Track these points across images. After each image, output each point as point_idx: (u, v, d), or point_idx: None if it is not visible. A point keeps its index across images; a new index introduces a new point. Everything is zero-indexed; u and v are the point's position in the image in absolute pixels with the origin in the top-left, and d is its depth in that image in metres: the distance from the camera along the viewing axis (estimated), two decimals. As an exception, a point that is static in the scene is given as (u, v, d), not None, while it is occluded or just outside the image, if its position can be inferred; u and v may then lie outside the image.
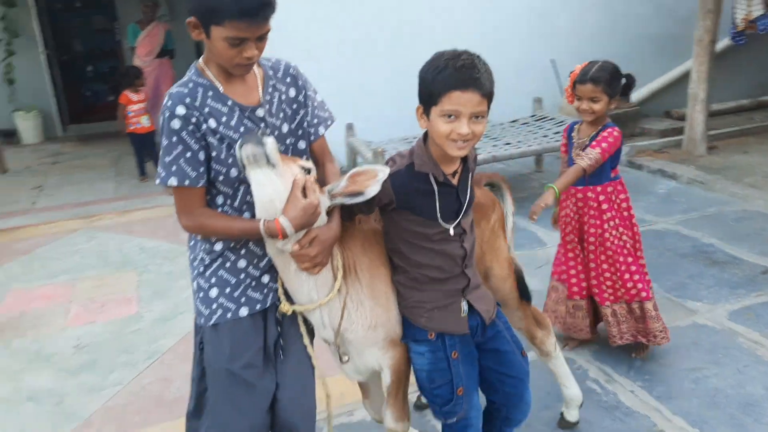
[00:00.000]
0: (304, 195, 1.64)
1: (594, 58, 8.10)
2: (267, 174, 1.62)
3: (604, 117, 2.83)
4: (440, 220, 1.81)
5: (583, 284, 3.01)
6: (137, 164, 6.77)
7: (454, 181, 1.82)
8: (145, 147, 6.67)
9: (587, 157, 2.72)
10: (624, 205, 2.93)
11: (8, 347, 3.53)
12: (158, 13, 7.80)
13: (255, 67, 1.81)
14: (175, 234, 5.01)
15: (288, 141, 1.86)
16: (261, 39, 1.66)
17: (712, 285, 3.72)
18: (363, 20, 6.24)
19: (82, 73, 11.05)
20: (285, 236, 1.65)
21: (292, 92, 1.88)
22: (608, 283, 2.94)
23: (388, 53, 6.38)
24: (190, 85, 1.72)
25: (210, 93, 1.72)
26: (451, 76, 1.62)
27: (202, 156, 1.71)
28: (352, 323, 1.86)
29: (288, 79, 1.87)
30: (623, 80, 2.79)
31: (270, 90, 1.82)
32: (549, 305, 3.13)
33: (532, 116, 6.06)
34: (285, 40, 5.96)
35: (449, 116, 1.66)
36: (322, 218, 1.73)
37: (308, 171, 1.73)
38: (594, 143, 2.77)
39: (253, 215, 1.76)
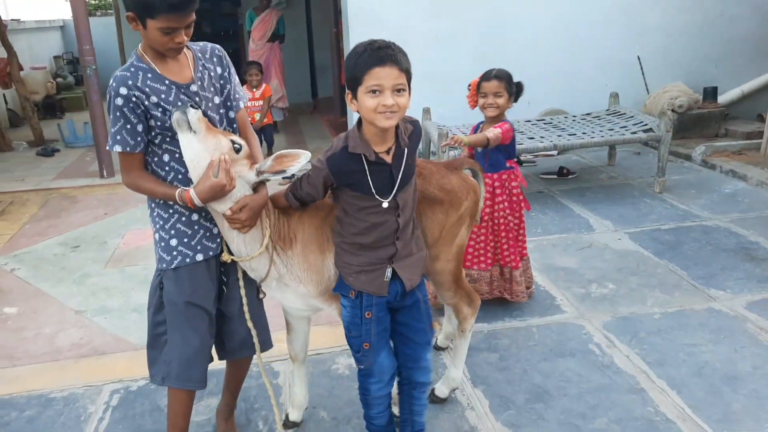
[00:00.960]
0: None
1: (682, 56, 8.15)
2: (189, 138, 1.97)
3: (503, 115, 3.37)
4: (375, 195, 2.02)
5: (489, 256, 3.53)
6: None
7: (388, 159, 2.02)
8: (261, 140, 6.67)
9: (492, 132, 3.25)
10: (515, 191, 3.46)
11: (123, 272, 4.38)
12: (274, 1, 8.63)
13: (186, 50, 2.14)
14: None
15: (221, 111, 2.21)
16: (188, 27, 1.99)
17: (742, 278, 3.90)
18: (454, 10, 6.66)
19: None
20: (195, 206, 2.01)
21: (219, 70, 2.21)
22: (488, 248, 3.50)
23: (477, 43, 6.77)
24: (132, 69, 2.05)
25: (149, 75, 2.05)
26: (371, 56, 1.87)
27: (140, 128, 2.06)
28: (284, 275, 2.23)
29: (215, 59, 2.20)
30: (515, 86, 3.32)
31: (200, 68, 2.15)
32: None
33: (606, 110, 6.24)
34: (379, 26, 6.52)
35: (374, 92, 1.87)
36: (244, 190, 2.06)
37: (238, 148, 2.04)
38: (495, 126, 3.31)
39: None
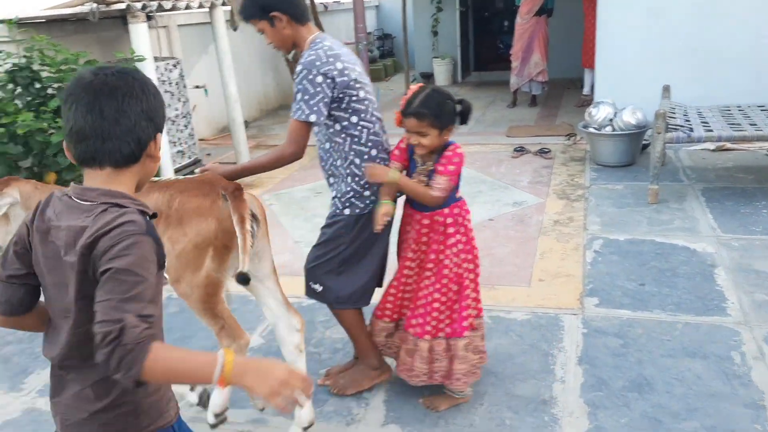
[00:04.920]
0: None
1: None
2: None
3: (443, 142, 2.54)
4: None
5: (397, 306, 2.78)
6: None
7: None
8: None
9: (438, 188, 2.48)
10: (469, 225, 2.65)
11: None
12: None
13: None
14: (487, 167, 6.12)
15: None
16: (260, 32, 2.55)
17: None
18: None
19: (500, 28, 12.71)
20: None
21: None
22: (434, 314, 2.62)
23: (753, 13, 5.95)
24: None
25: None
26: None
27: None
28: None
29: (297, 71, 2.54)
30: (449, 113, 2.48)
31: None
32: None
33: None
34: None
35: None
36: None
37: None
38: (440, 168, 2.49)
39: None
